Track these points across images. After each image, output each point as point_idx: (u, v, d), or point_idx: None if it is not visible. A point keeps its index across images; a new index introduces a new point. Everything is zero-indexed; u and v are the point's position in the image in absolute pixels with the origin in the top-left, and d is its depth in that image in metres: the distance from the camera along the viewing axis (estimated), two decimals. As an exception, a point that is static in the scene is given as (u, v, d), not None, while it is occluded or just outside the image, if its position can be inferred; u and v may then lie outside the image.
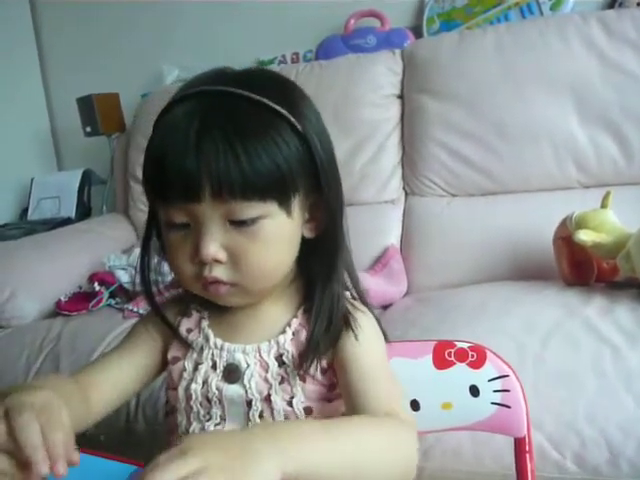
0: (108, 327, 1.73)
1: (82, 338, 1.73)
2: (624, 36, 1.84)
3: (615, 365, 1.19)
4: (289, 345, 0.78)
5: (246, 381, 0.77)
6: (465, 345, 0.89)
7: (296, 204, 0.73)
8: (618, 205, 1.52)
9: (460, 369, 0.88)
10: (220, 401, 0.79)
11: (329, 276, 0.77)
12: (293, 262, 0.78)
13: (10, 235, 2.51)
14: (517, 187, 1.96)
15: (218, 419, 0.79)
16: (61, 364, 1.65)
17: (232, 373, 0.78)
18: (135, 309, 1.82)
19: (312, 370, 0.77)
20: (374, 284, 1.76)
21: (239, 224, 0.69)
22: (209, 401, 0.79)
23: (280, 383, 0.77)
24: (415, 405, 0.90)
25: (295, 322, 0.79)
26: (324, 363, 0.78)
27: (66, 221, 2.67)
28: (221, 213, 0.69)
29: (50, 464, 0.56)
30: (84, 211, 2.80)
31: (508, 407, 0.86)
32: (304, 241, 0.78)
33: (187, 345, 0.82)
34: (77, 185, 2.79)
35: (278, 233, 0.72)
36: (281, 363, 0.77)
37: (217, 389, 0.78)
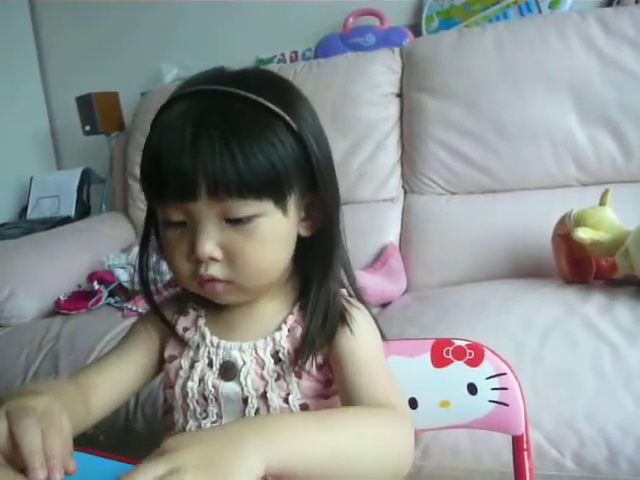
0: (107, 326, 1.73)
1: (81, 337, 1.73)
2: (622, 34, 1.84)
3: (614, 363, 1.18)
4: (285, 342, 0.78)
5: (242, 378, 0.78)
6: (463, 343, 0.89)
7: (292, 203, 0.73)
8: (617, 203, 1.52)
9: (458, 367, 0.88)
10: (216, 399, 0.79)
11: (325, 273, 0.78)
12: (289, 260, 0.79)
13: (9, 234, 2.51)
14: (516, 185, 1.96)
15: (215, 417, 0.79)
16: (60, 363, 1.65)
17: (228, 370, 0.79)
18: (134, 308, 1.82)
19: (307, 366, 0.77)
20: (373, 282, 1.76)
21: (235, 222, 0.70)
22: (205, 399, 0.79)
23: (276, 380, 0.77)
24: (413, 403, 0.90)
25: (291, 319, 0.80)
26: (320, 359, 0.78)
27: (65, 220, 2.67)
28: (217, 211, 0.69)
29: (47, 471, 0.57)
30: (83, 210, 2.80)
31: (506, 405, 0.86)
32: (300, 239, 0.78)
33: (184, 343, 0.82)
34: (76, 184, 2.79)
35: (274, 231, 0.72)
36: (277, 360, 0.78)
37: (213, 387, 0.79)
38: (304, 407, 0.78)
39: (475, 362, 0.88)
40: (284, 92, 0.76)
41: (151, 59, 2.85)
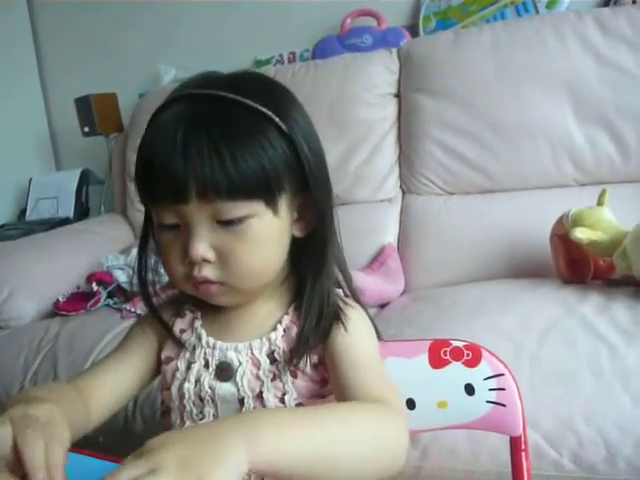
0: (106, 327, 1.73)
1: (80, 338, 1.73)
2: (619, 34, 1.84)
3: (612, 363, 1.18)
4: (280, 342, 0.79)
5: (238, 379, 0.78)
6: (460, 344, 0.89)
7: (283, 203, 0.74)
8: (614, 203, 1.52)
9: (455, 368, 0.88)
10: (213, 400, 0.79)
11: (319, 272, 0.78)
12: (284, 261, 0.80)
13: (8, 235, 2.51)
14: (514, 185, 1.97)
15: (211, 418, 0.80)
16: (59, 364, 1.66)
17: (224, 371, 0.79)
18: (133, 309, 1.83)
19: (302, 365, 0.78)
20: (371, 283, 1.77)
21: (226, 224, 0.71)
22: (202, 400, 0.80)
23: (272, 380, 0.78)
24: (411, 404, 0.90)
25: (286, 319, 0.80)
26: (315, 358, 0.79)
27: (64, 221, 2.68)
28: (209, 213, 0.70)
29: None
30: (82, 211, 2.80)
31: (503, 406, 0.86)
32: (295, 240, 0.79)
33: (181, 345, 0.83)
34: (75, 185, 2.80)
35: (265, 232, 0.73)
36: (273, 360, 0.78)
37: (210, 388, 0.79)
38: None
39: (472, 363, 0.88)
40: (275, 94, 0.77)
41: (149, 60, 2.85)
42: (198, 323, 0.83)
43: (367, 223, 2.05)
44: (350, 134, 2.14)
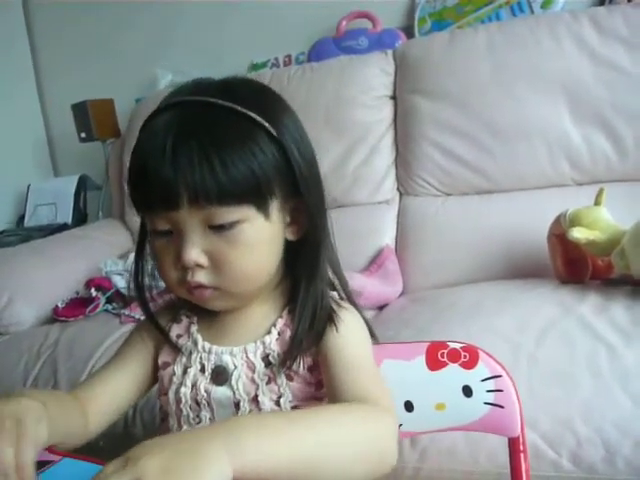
0: (105, 332, 1.74)
1: (79, 344, 1.73)
2: (615, 33, 1.85)
3: (610, 363, 1.18)
4: (275, 345, 0.79)
5: (234, 382, 0.78)
6: (458, 346, 0.89)
7: (274, 208, 0.74)
8: (611, 202, 1.52)
9: (453, 370, 0.88)
10: (209, 404, 0.80)
11: (312, 275, 0.79)
12: (278, 265, 0.80)
13: (7, 242, 2.52)
14: (511, 185, 1.97)
15: (208, 422, 0.80)
16: (59, 370, 1.66)
17: (220, 375, 0.80)
18: (132, 314, 1.83)
19: (296, 367, 0.78)
20: (369, 285, 1.77)
21: (218, 229, 0.71)
22: (198, 404, 0.80)
23: (267, 383, 0.78)
24: (409, 406, 0.90)
25: (280, 322, 0.81)
26: (309, 361, 0.79)
27: (62, 227, 2.68)
28: (200, 219, 0.71)
29: None
30: (80, 217, 2.81)
31: (501, 407, 0.86)
32: (289, 244, 0.80)
33: (177, 350, 0.83)
34: (73, 191, 2.80)
35: (257, 236, 0.74)
36: (267, 363, 0.79)
37: (205, 392, 0.79)
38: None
39: (470, 364, 0.87)
40: (266, 100, 0.78)
41: (146, 64, 2.86)
42: (194, 328, 0.84)
43: (365, 225, 2.05)
44: (347, 136, 2.14)
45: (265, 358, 0.79)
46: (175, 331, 0.85)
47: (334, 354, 0.76)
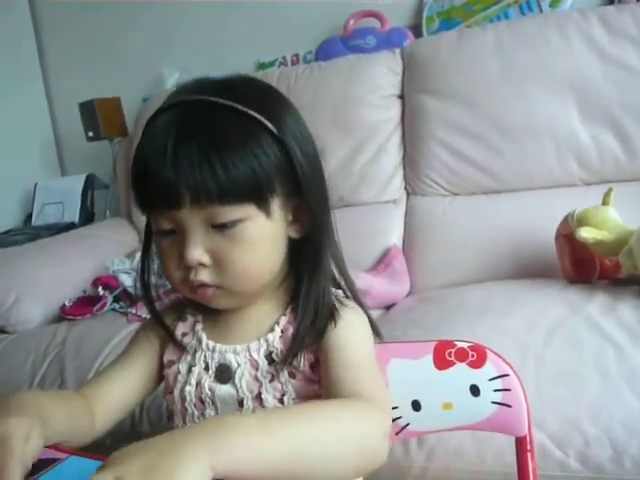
0: (112, 331, 1.74)
1: (87, 343, 1.73)
2: (624, 32, 1.84)
3: (618, 363, 1.18)
4: (278, 343, 0.79)
5: (237, 380, 0.79)
6: (465, 345, 0.89)
7: (275, 206, 0.75)
8: (620, 202, 1.52)
9: (460, 369, 0.88)
10: (213, 402, 0.80)
11: (315, 272, 0.79)
12: (281, 263, 0.80)
13: (14, 241, 2.52)
14: (519, 185, 1.96)
15: None
16: (66, 369, 1.66)
17: (224, 373, 0.80)
18: (139, 313, 1.83)
19: (297, 363, 0.78)
20: (377, 284, 1.76)
21: (220, 227, 0.72)
22: (203, 402, 0.81)
23: (270, 381, 0.78)
24: (416, 405, 0.89)
25: (283, 320, 0.81)
26: (312, 358, 0.79)
27: (70, 226, 2.68)
28: (202, 218, 0.71)
29: None
30: (87, 216, 2.81)
31: (509, 406, 0.86)
32: (292, 242, 0.80)
33: (182, 348, 0.84)
34: (80, 190, 2.80)
35: (259, 235, 0.74)
36: (271, 361, 0.79)
37: (210, 390, 0.80)
38: None
39: (477, 364, 0.87)
40: (267, 98, 0.78)
41: (152, 62, 2.87)
42: (199, 326, 0.84)
43: (372, 224, 2.05)
44: (354, 136, 2.14)
45: (268, 356, 0.79)
46: (180, 329, 0.85)
47: (335, 352, 0.76)
